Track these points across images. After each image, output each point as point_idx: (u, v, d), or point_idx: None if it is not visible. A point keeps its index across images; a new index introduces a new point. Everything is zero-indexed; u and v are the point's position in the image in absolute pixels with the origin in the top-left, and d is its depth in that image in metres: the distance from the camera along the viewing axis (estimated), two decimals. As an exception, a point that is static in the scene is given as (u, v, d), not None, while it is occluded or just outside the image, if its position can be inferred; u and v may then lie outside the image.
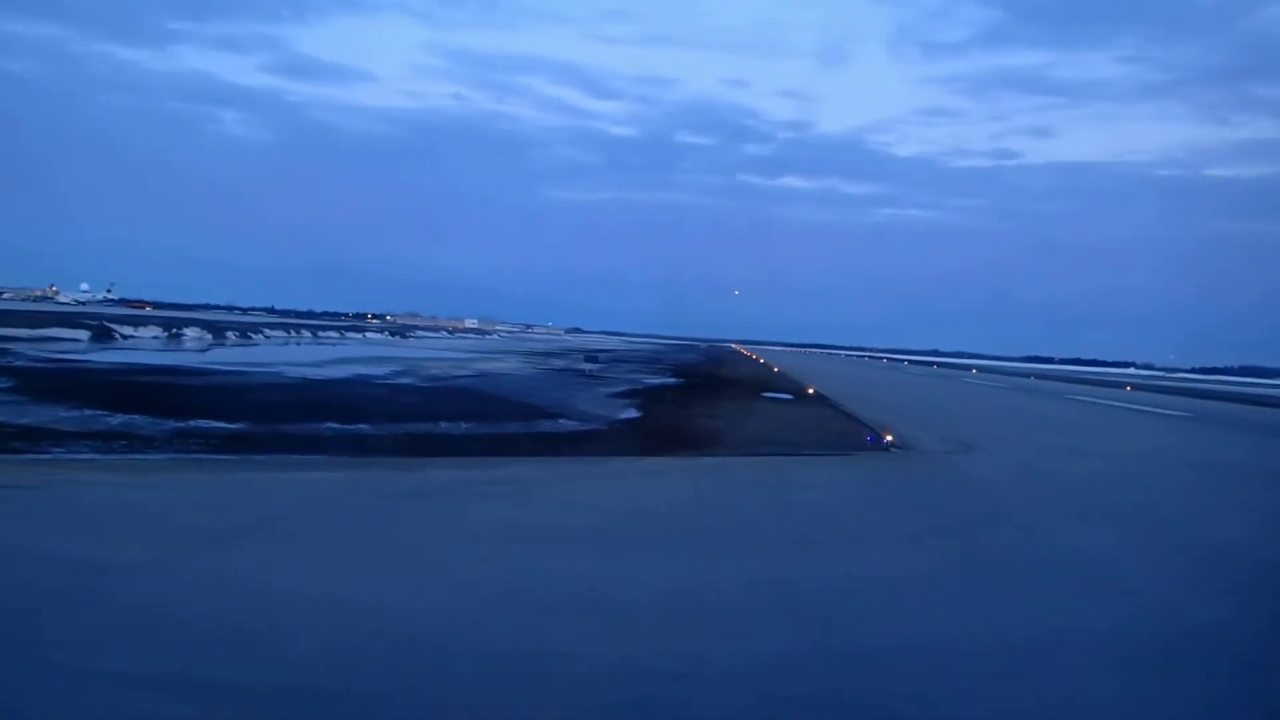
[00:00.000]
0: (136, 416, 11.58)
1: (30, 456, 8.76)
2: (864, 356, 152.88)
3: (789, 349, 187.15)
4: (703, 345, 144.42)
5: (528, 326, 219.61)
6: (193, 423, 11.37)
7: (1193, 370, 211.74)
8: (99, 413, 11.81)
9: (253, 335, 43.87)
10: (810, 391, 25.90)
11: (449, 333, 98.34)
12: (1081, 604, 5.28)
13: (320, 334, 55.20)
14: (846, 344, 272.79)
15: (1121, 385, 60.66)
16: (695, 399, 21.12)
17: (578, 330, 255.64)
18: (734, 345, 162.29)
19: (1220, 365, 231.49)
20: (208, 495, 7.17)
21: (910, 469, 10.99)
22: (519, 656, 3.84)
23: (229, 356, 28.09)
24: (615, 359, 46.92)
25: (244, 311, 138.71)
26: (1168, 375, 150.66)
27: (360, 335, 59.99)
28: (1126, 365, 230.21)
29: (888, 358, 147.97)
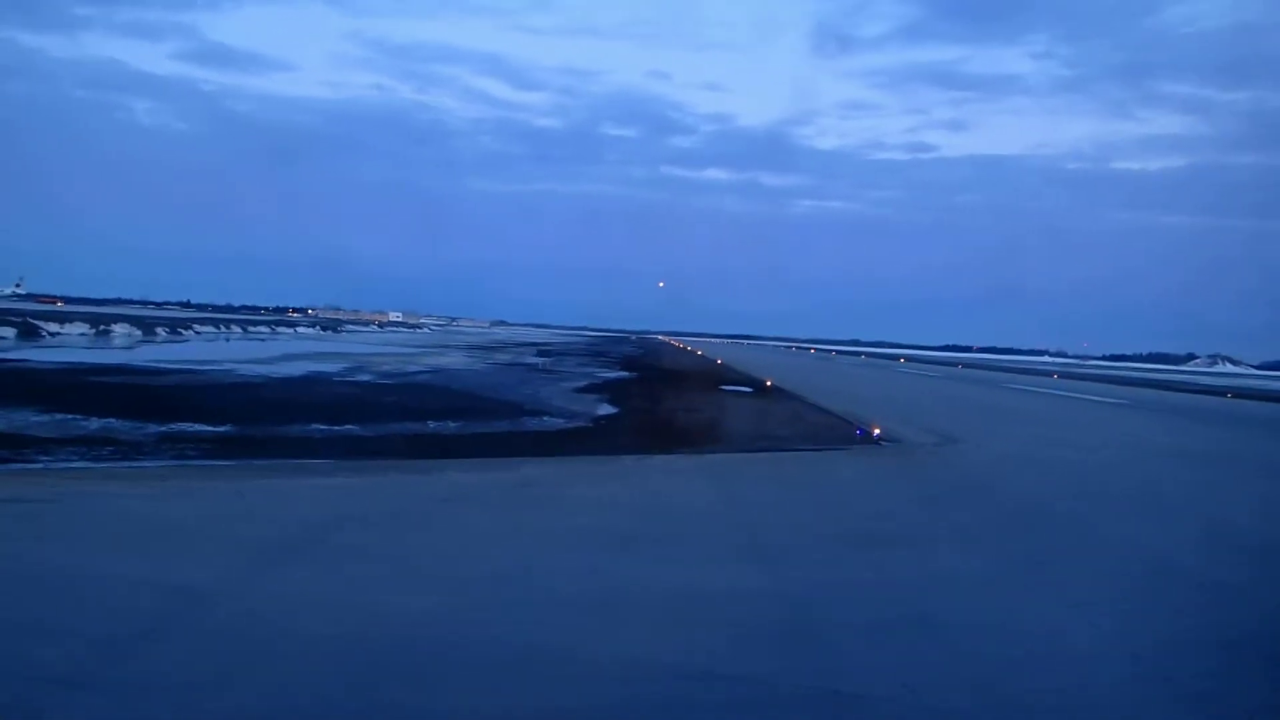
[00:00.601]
0: (113, 421, 11.05)
1: (20, 466, 8.28)
2: (791, 347, 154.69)
3: (716, 340, 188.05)
4: (633, 337, 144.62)
5: (452, 319, 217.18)
6: (175, 426, 10.89)
7: (1103, 357, 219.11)
8: (71, 417, 11.23)
9: (183, 331, 42.46)
10: (768, 384, 26.06)
11: (378, 326, 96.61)
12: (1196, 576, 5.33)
13: (250, 329, 53.70)
14: (770, 334, 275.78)
15: (1049, 374, 62.46)
16: (660, 394, 21.04)
17: (502, 323, 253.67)
18: (661, 337, 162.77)
19: (1129, 352, 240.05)
20: (241, 506, 6.83)
21: (914, 463, 11.06)
22: (705, 678, 3.70)
23: (170, 354, 27.09)
24: (558, 353, 46.63)
25: (158, 306, 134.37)
26: (1083, 363, 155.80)
27: (292, 330, 58.52)
28: (1041, 353, 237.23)
29: (814, 348, 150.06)
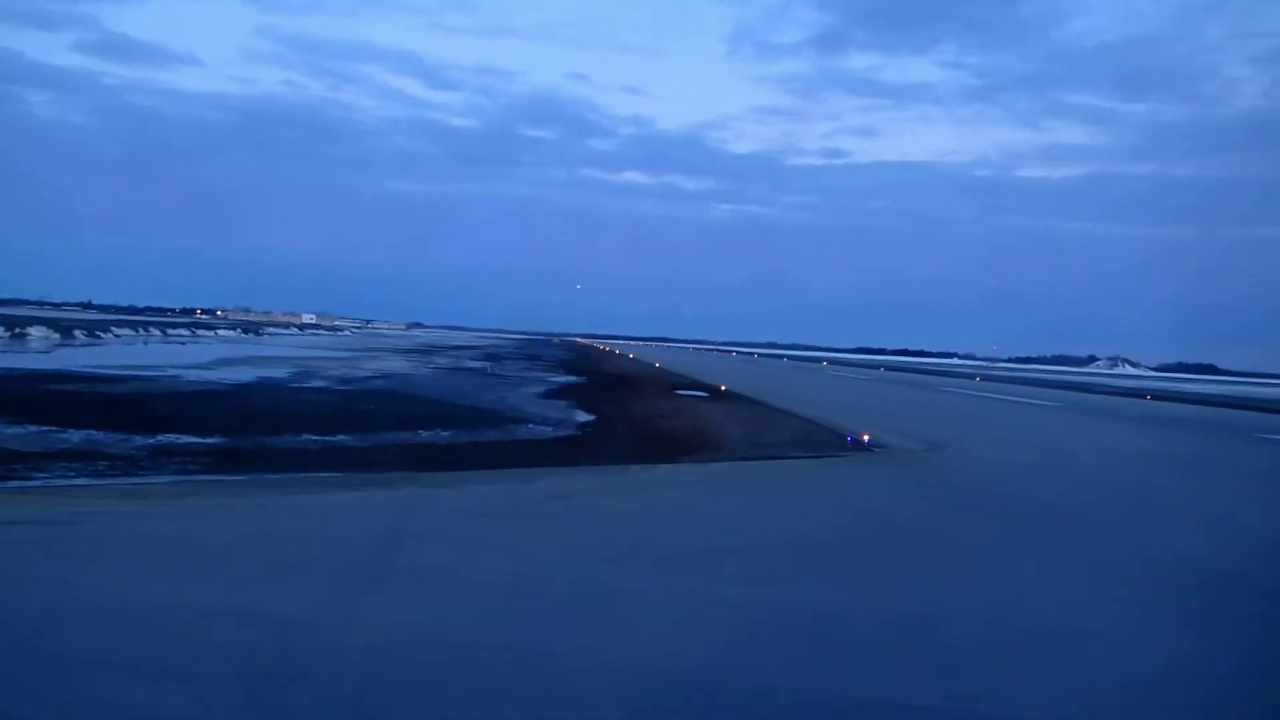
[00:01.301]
0: (93, 433, 10.46)
1: (19, 484, 7.76)
2: (712, 350, 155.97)
3: (636, 342, 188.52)
4: (555, 340, 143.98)
5: (367, 321, 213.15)
6: (162, 438, 10.36)
7: (1009, 359, 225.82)
8: (44, 429, 10.60)
9: (102, 334, 40.78)
10: (722, 389, 26.14)
11: (298, 329, 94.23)
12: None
13: (170, 332, 51.86)
14: (687, 337, 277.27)
15: (970, 376, 64.15)
16: (624, 399, 20.88)
17: (419, 325, 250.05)
18: (579, 339, 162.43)
19: (1034, 355, 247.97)
20: (280, 525, 6.52)
21: (920, 471, 11.14)
22: (856, 709, 3.59)
23: (101, 359, 25.90)
24: (494, 357, 46.10)
25: (56, 307, 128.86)
26: (993, 365, 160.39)
27: (212, 333, 56.68)
28: (950, 355, 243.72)
29: (736, 351, 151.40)
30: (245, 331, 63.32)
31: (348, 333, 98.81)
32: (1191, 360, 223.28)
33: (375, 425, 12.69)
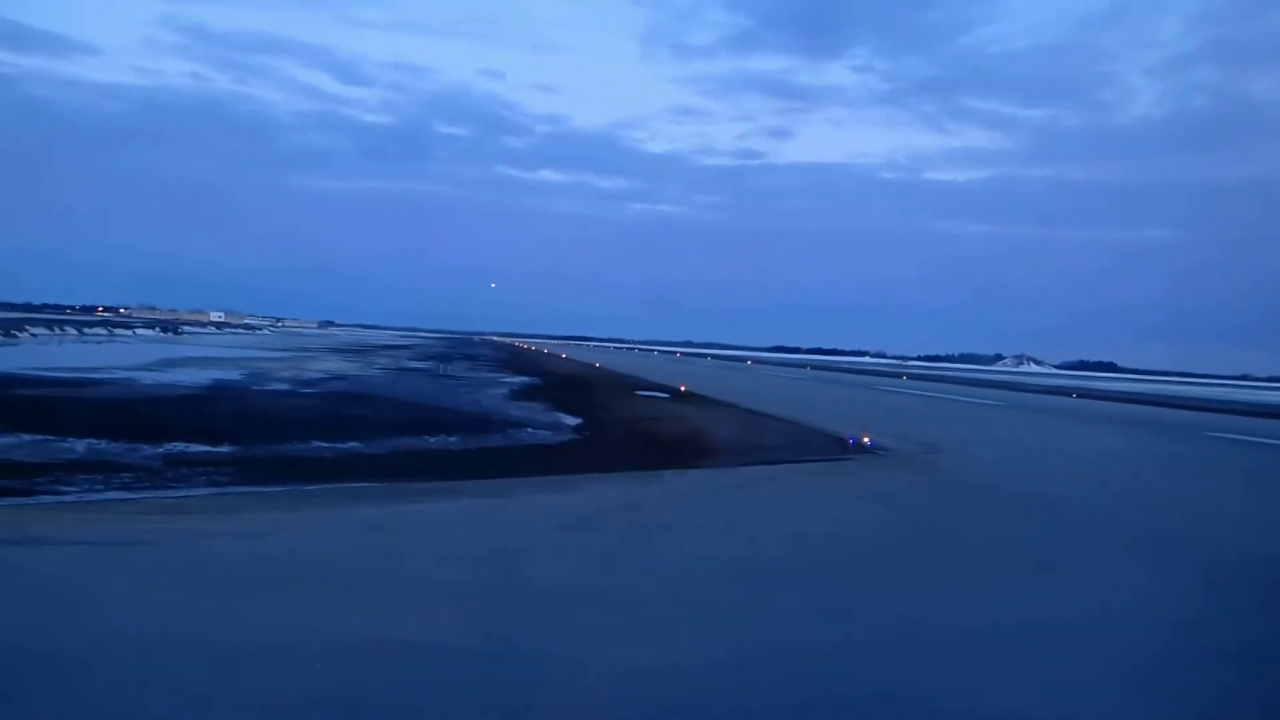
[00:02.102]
0: (95, 442, 9.94)
1: (52, 498, 7.31)
2: (634, 349, 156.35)
3: (555, 341, 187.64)
4: (476, 339, 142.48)
5: (278, 320, 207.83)
6: (170, 447, 9.90)
7: (919, 357, 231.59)
8: (37, 438, 10.03)
9: (17, 333, 38.93)
10: (682, 389, 26.18)
11: (216, 328, 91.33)
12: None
13: (87, 331, 49.76)
14: (603, 336, 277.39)
15: (896, 375, 65.43)
16: (595, 401, 20.71)
17: (331, 324, 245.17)
18: (498, 338, 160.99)
19: (942, 353, 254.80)
20: (362, 540, 6.26)
21: (940, 474, 11.25)
22: None
23: (33, 359, 24.67)
24: (433, 357, 45.39)
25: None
26: (904, 363, 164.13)
27: (131, 332, 54.54)
28: (863, 353, 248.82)
29: (658, 350, 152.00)
30: (164, 330, 61.11)
31: (266, 332, 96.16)
32: (1092, 358, 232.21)
33: (376, 431, 12.33)
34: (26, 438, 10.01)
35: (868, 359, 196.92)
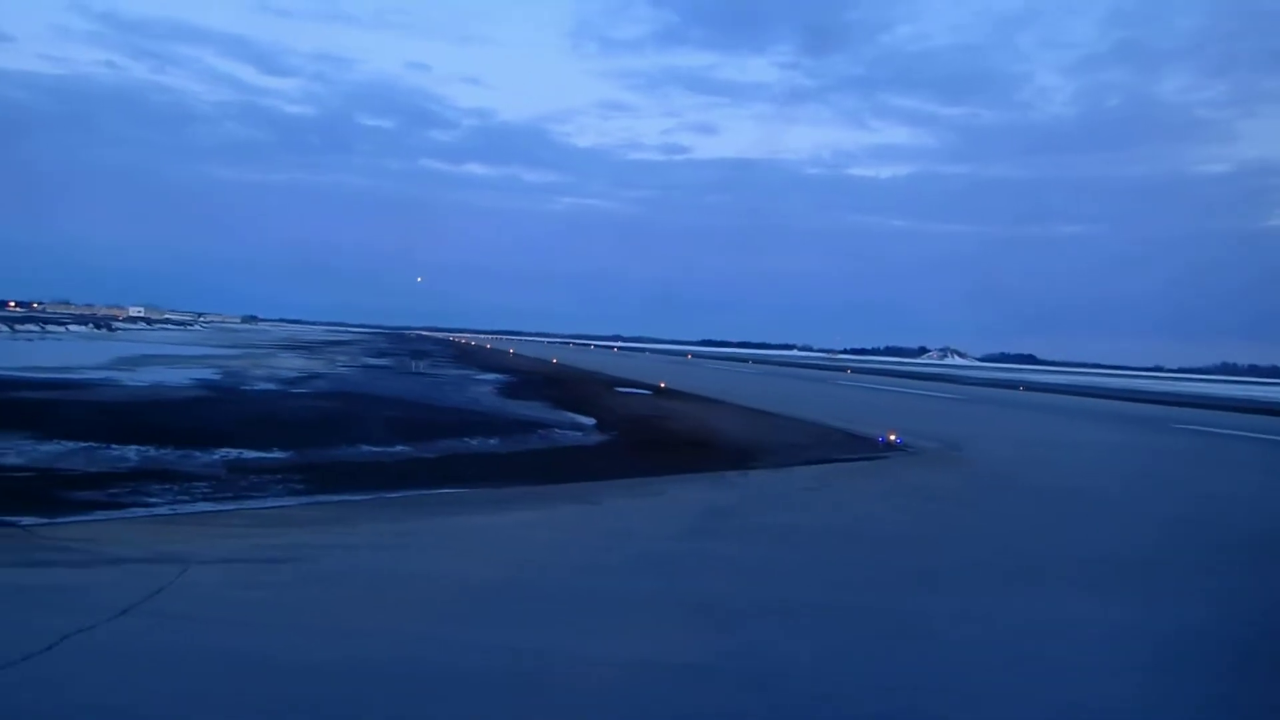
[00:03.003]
0: (144, 449, 9.55)
1: (143, 511, 6.99)
2: (569, 343, 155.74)
3: (488, 337, 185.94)
4: (411, 335, 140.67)
5: (199, 315, 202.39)
6: (221, 454, 9.56)
7: (844, 351, 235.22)
8: (80, 445, 9.59)
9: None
10: (662, 386, 26.17)
11: (147, 323, 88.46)
12: None
13: (18, 328, 47.84)
14: (531, 330, 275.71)
15: (840, 369, 66.40)
16: (591, 399, 20.56)
17: (254, 319, 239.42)
18: (426, 333, 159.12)
19: (867, 346, 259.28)
20: (505, 551, 6.13)
21: (982, 472, 11.49)
22: None
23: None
24: (390, 354, 44.64)
25: None
26: (833, 356, 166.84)
27: (63, 329, 52.56)
28: (789, 347, 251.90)
29: (594, 344, 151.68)
30: (97, 327, 59.02)
31: (197, 327, 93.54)
32: (1011, 351, 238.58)
33: (409, 434, 12.02)
34: (68, 445, 9.56)
35: (795, 352, 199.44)
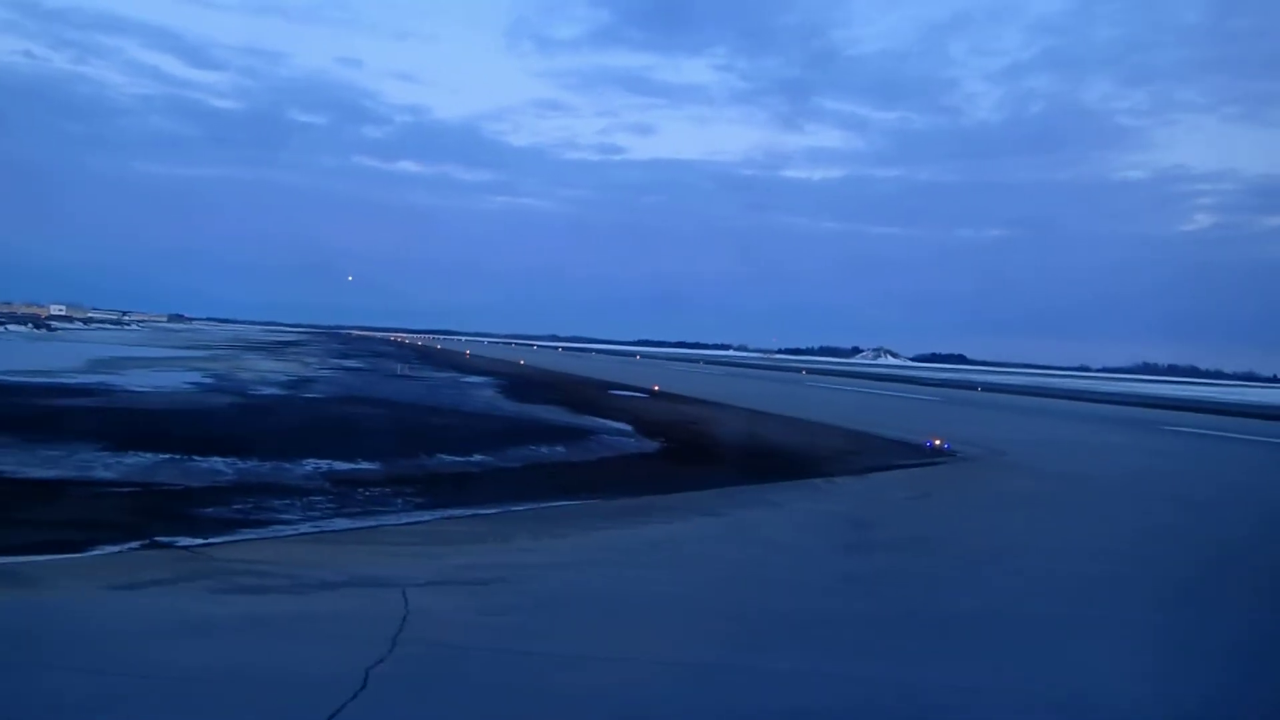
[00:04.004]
0: (232, 461, 9.22)
1: (287, 529, 6.75)
2: (511, 343, 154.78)
3: (425, 337, 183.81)
4: (351, 335, 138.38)
5: (123, 313, 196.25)
6: (311, 465, 9.28)
7: (780, 351, 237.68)
8: (166, 457, 9.23)
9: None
10: (655, 389, 26.13)
11: (83, 323, 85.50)
12: None
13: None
14: (467, 330, 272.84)
15: (796, 369, 67.01)
16: (604, 403, 20.44)
17: (181, 317, 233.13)
18: (360, 333, 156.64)
19: (802, 346, 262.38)
20: (689, 566, 6.05)
21: (1045, 475, 11.65)
22: None
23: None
24: (354, 354, 43.83)
25: None
26: (769, 356, 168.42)
27: (2, 328, 50.62)
28: (725, 347, 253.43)
29: (536, 344, 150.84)
30: (36, 327, 56.92)
31: (134, 327, 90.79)
32: (942, 351, 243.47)
33: (474, 442, 11.76)
34: (149, 456, 9.18)
35: (732, 352, 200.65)
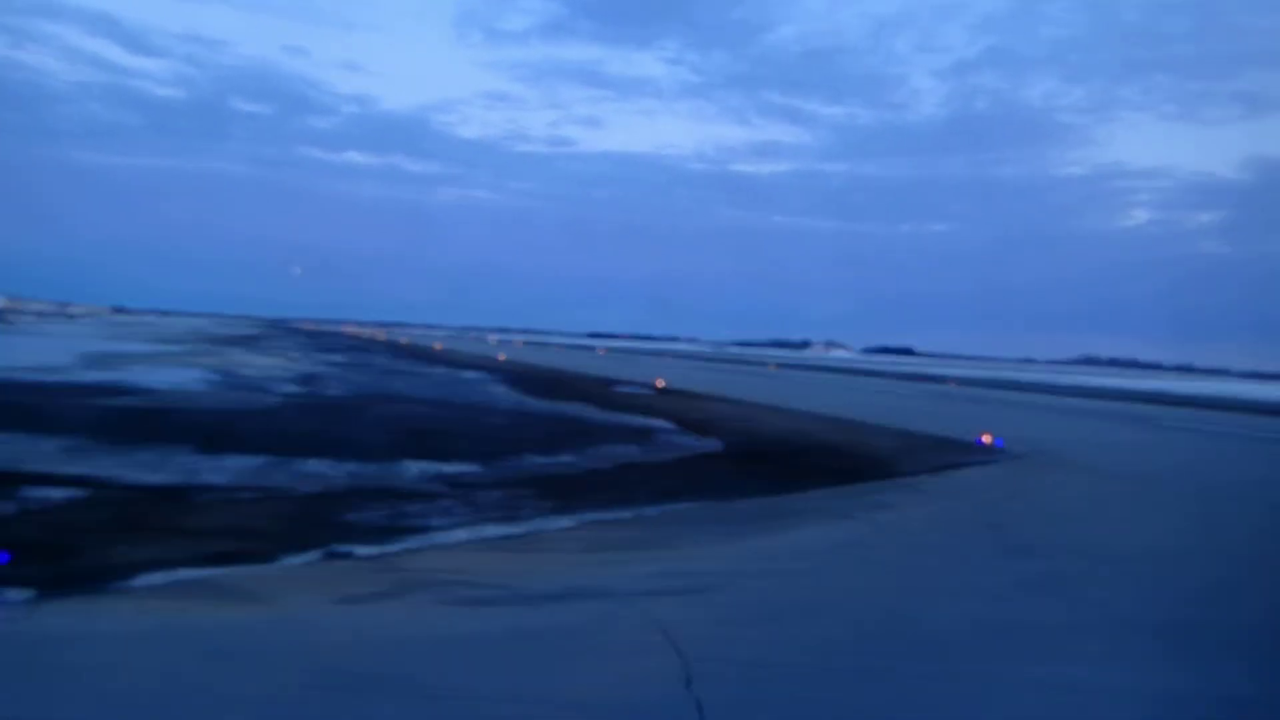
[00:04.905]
0: (338, 464, 9.06)
1: (442, 537, 6.65)
2: (471, 336, 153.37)
3: (376, 329, 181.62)
4: (303, 327, 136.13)
5: (63, 305, 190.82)
6: (419, 468, 9.16)
7: (732, 344, 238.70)
8: (268, 460, 9.03)
9: None
10: (660, 385, 26.12)
11: (36, 317, 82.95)
12: None
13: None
14: (416, 322, 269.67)
15: (763, 364, 67.24)
16: (620, 401, 20.39)
17: (123, 309, 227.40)
18: (310, 325, 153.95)
19: (751, 339, 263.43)
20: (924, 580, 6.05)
21: (1105, 473, 11.86)
22: None
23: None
24: (351, 350, 43.15)
25: None
26: (721, 347, 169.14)
27: (-40, 321, 48.92)
28: (675, 339, 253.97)
29: (493, 336, 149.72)
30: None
31: (87, 319, 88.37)
32: (890, 344, 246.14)
33: (549, 443, 11.67)
34: (249, 460, 8.98)
35: (682, 345, 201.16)
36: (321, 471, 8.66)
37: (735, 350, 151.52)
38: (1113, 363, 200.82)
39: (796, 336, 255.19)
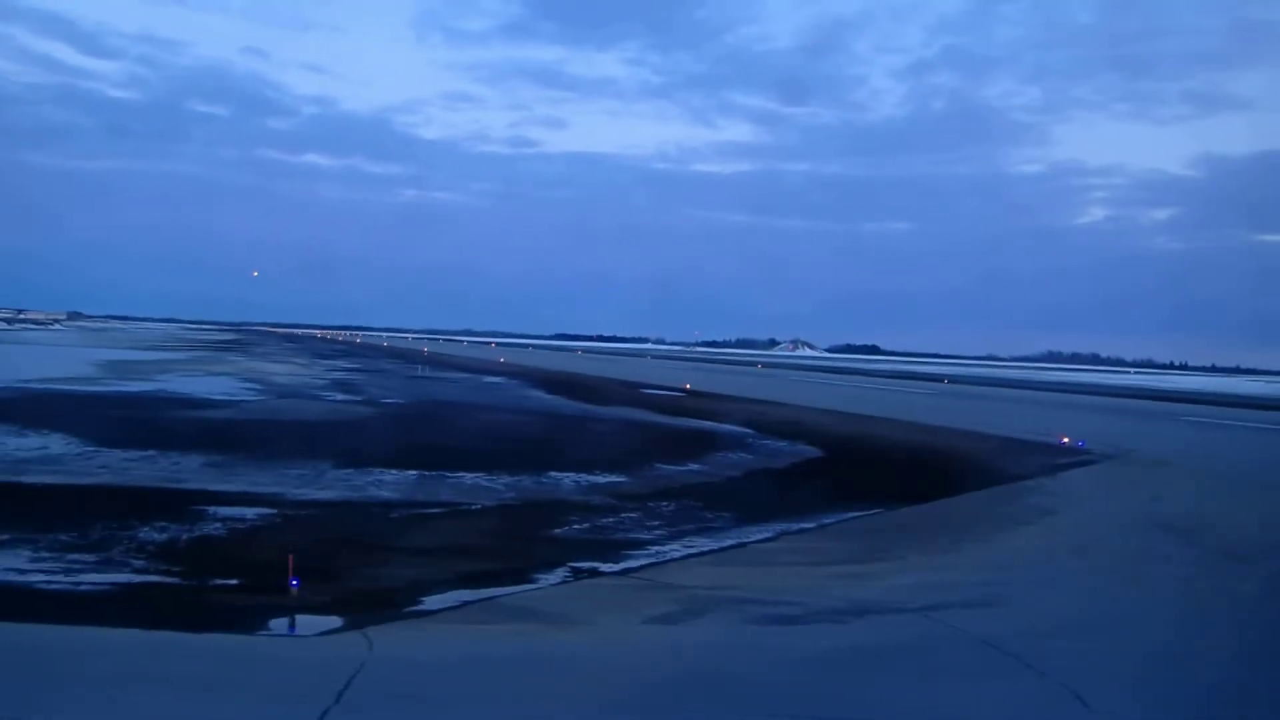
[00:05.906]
0: (494, 476, 8.91)
1: (657, 550, 6.54)
2: (439, 338, 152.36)
3: (350, 334, 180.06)
4: (273, 331, 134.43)
5: (19, 311, 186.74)
6: (573, 479, 9.04)
7: (699, 344, 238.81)
8: (426, 474, 8.86)
9: None
10: (687, 387, 26.08)
11: (6, 324, 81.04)
12: None
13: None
14: (380, 325, 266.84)
15: (752, 364, 67.28)
16: (664, 405, 20.28)
17: (79, 314, 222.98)
18: (276, 330, 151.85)
19: (718, 339, 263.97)
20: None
21: (1201, 471, 11.95)
22: None
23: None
24: (354, 356, 42.60)
25: None
26: (690, 348, 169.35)
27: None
28: (643, 340, 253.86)
29: (465, 339, 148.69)
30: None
31: (58, 327, 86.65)
32: (856, 342, 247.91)
33: (658, 451, 11.55)
34: (403, 474, 8.80)
35: (651, 345, 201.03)
36: (481, 484, 8.53)
37: (703, 350, 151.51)
38: (1075, 359, 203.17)
39: (762, 336, 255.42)
